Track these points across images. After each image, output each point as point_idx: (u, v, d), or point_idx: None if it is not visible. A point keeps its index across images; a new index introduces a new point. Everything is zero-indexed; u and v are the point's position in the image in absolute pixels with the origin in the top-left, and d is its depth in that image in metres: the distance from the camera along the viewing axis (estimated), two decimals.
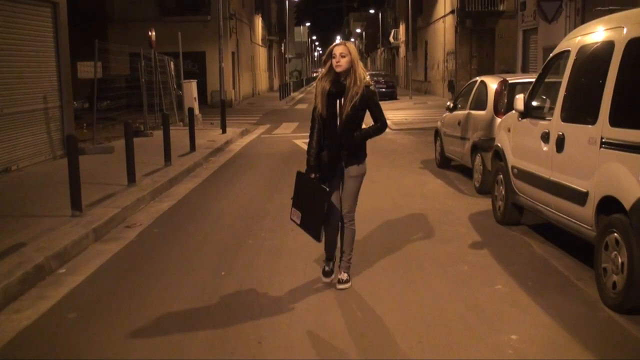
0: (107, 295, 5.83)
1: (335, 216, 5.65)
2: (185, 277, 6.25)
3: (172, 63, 23.09)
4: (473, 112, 10.69)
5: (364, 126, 5.60)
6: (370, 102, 5.48)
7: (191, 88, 23.35)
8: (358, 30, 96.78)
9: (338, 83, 5.43)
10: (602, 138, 5.40)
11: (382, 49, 78.23)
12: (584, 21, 16.27)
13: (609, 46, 5.55)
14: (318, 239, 5.51)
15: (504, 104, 9.69)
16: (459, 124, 11.22)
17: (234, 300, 5.56)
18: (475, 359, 4.34)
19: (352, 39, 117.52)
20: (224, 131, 19.53)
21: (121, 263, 6.82)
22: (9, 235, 7.12)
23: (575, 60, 6.24)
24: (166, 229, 8.24)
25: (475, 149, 10.12)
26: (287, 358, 4.42)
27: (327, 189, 5.42)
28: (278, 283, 5.94)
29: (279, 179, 11.67)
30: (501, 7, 33.16)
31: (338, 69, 5.37)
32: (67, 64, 13.99)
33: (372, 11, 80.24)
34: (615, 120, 5.25)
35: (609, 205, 5.27)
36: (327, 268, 5.88)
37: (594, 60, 5.89)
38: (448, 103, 12.70)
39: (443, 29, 39.98)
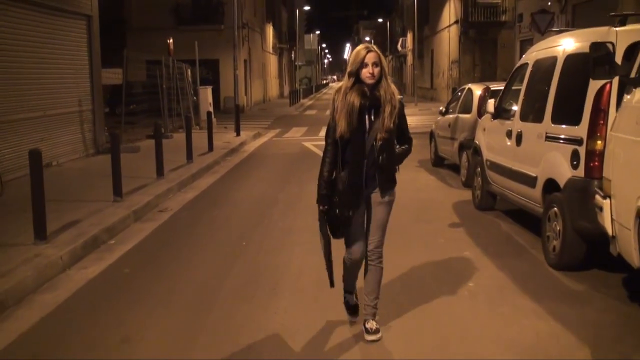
0: (152, 258, 7.26)
1: (362, 251, 4.82)
2: (212, 246, 7.69)
3: (189, 70, 24.55)
4: (461, 115, 12.11)
5: None
6: (401, 116, 4.72)
7: (207, 94, 24.87)
8: (367, 39, 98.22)
9: (368, 95, 4.57)
10: (546, 133, 6.81)
11: (391, 56, 79.73)
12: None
13: (553, 60, 6.98)
14: (330, 284, 4.92)
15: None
16: (449, 126, 12.64)
17: (254, 261, 7.00)
18: (439, 301, 5.71)
19: None
20: (238, 134, 20.98)
21: (159, 237, 8.27)
22: (65, 215, 8.53)
23: (531, 71, 7.69)
24: (193, 213, 9.69)
25: (462, 147, 11.52)
26: (296, 297, 5.82)
27: (330, 236, 4.77)
28: (289, 250, 7.35)
29: (288, 175, 13.10)
30: (503, 18, 34.55)
31: (370, 81, 4.53)
32: (99, 71, 15.54)
33: (380, 20, 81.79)
34: (555, 118, 6.68)
35: (551, 185, 6.67)
36: (350, 302, 5.11)
37: (543, 72, 7.31)
38: (441, 108, 14.16)
39: (448, 38, 41.39)
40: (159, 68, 22.01)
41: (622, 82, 5.07)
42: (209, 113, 17.72)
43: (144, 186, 10.92)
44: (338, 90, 4.67)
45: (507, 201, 8.53)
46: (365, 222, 4.79)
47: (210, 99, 24.94)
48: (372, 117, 4.59)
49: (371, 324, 4.84)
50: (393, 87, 4.65)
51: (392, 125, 4.58)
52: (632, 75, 4.81)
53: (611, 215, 5.09)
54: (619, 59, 5.61)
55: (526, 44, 26.06)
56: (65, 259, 6.83)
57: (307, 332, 5.00)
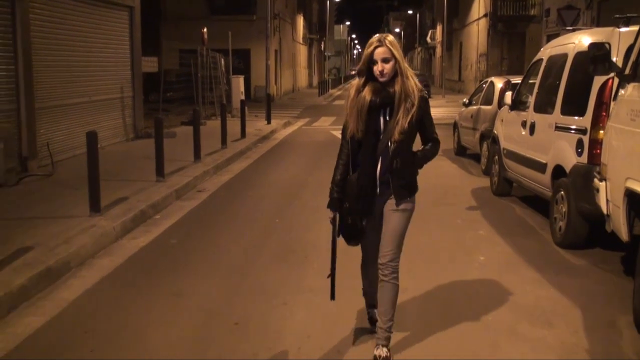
0: (195, 231, 8.03)
1: (374, 266, 4.44)
2: (248, 222, 8.44)
3: (222, 60, 25.32)
4: (483, 107, 12.72)
5: None
6: (425, 114, 4.26)
7: (239, 83, 25.68)
8: (397, 30, 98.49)
9: (382, 91, 4.17)
10: (556, 123, 7.44)
11: (420, 48, 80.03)
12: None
13: (564, 57, 7.60)
14: (331, 296, 4.57)
15: None
16: (471, 117, 13.25)
17: (287, 235, 7.74)
18: (451, 271, 6.39)
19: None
20: (268, 122, 21.73)
21: (200, 213, 9.04)
22: (113, 192, 9.30)
23: (545, 66, 8.31)
24: (230, 193, 10.46)
25: (483, 137, 12.14)
26: (324, 266, 6.53)
27: (337, 236, 4.41)
28: (319, 227, 8.02)
29: (317, 161, 13.82)
30: (532, 12, 34.83)
31: (382, 79, 4.13)
32: (139, 59, 16.41)
33: (410, 12, 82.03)
34: (564, 110, 7.31)
35: (558, 171, 7.30)
36: (375, 316, 4.69)
37: (555, 67, 7.94)
38: (464, 100, 14.77)
39: (477, 31, 41.76)
40: (193, 57, 22.82)
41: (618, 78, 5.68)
42: (242, 101, 18.52)
43: (183, 168, 11.70)
44: (352, 86, 4.32)
45: (522, 187, 9.15)
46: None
47: (242, 88, 25.72)
48: (388, 117, 4.19)
49: (380, 352, 4.31)
50: (413, 82, 4.16)
51: (407, 126, 4.11)
52: (627, 72, 5.43)
53: (606, 196, 5.72)
54: (620, 57, 6.24)
55: (553, 39, 26.46)
56: (118, 230, 7.62)
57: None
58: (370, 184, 4.23)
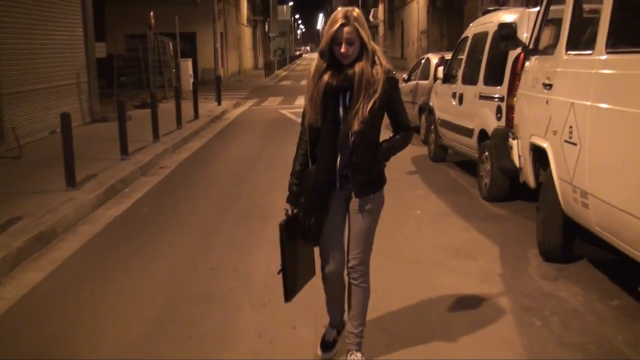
0: (163, 202, 8.89)
1: (337, 266, 3.97)
2: (211, 191, 9.35)
3: (171, 44, 25.88)
4: (420, 81, 13.80)
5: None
6: (392, 97, 3.74)
7: (187, 66, 26.30)
8: (339, 9, 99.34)
9: (340, 74, 3.67)
10: (479, 93, 8.51)
11: None
12: (528, 6, 19.27)
13: (485, 34, 8.66)
14: (285, 298, 3.94)
15: None
16: (411, 91, 14.32)
17: (246, 201, 8.66)
18: (392, 222, 7.40)
19: None
20: (219, 103, 22.48)
21: (165, 186, 9.89)
22: (84, 170, 10.03)
23: (470, 43, 9.37)
24: (190, 168, 11.32)
25: (421, 110, 13.21)
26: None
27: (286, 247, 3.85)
28: (273, 193, 8.97)
29: (268, 138, 14.75)
30: None
31: (346, 61, 3.63)
32: (93, 45, 16.97)
33: None
34: (486, 81, 8.38)
35: (483, 135, 8.37)
36: (327, 337, 4.18)
37: (479, 44, 8.99)
38: (404, 75, 15.82)
39: (417, 9, 42.93)
40: (141, 42, 23.34)
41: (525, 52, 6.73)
42: (194, 84, 19.29)
43: (144, 148, 12.47)
44: (312, 66, 3.77)
45: (455, 152, 10.24)
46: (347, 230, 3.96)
47: (190, 71, 26.35)
48: (348, 104, 3.67)
49: (355, 356, 3.95)
50: (379, 61, 3.66)
51: (368, 114, 3.59)
52: (530, 47, 6.48)
53: (518, 152, 6.78)
54: (529, 34, 7.28)
55: None
56: (94, 202, 8.43)
57: None
58: (329, 178, 3.76)
